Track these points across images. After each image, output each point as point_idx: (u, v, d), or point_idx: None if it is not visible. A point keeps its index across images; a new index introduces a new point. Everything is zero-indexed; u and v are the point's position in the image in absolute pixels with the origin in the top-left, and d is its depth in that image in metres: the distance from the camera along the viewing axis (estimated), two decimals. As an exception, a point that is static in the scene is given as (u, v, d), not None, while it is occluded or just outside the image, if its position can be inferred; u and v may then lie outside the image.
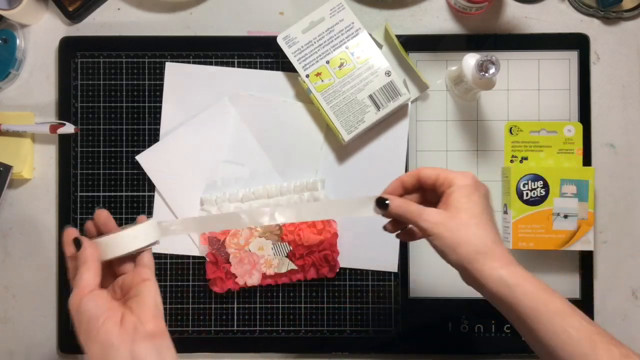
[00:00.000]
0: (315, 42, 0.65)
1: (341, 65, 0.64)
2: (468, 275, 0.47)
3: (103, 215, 0.50)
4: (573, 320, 0.43)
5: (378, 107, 0.64)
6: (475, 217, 0.47)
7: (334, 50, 0.65)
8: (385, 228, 0.55)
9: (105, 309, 0.45)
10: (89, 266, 0.46)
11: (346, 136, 0.64)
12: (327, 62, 0.64)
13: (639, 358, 0.42)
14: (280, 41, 0.65)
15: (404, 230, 0.55)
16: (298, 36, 0.65)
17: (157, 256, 0.68)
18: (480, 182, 0.50)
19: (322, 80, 0.64)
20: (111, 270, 0.50)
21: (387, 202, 0.50)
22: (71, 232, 0.49)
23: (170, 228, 0.52)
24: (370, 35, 0.65)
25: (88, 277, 0.46)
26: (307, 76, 0.64)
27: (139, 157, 0.67)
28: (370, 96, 0.64)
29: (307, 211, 0.54)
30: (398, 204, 0.50)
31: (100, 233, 0.50)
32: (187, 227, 0.53)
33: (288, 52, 0.65)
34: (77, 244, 0.47)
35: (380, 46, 0.66)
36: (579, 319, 0.43)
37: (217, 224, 0.55)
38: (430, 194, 0.52)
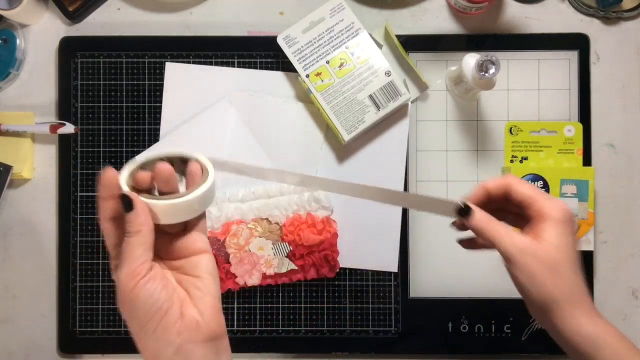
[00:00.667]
0: (315, 42, 0.65)
1: (341, 65, 0.64)
2: (546, 319, 0.44)
3: (167, 170, 0.40)
4: None
5: (378, 107, 0.64)
6: (569, 260, 0.43)
7: (334, 50, 0.65)
8: (461, 243, 0.52)
9: (165, 299, 0.37)
10: (143, 238, 0.38)
11: (346, 136, 0.64)
12: (327, 62, 0.65)
13: None
14: (280, 41, 0.65)
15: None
16: (298, 36, 0.65)
17: (157, 256, 0.68)
18: (574, 218, 0.45)
19: (322, 80, 0.64)
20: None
21: (470, 211, 0.45)
22: (114, 179, 0.38)
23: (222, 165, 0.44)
24: (370, 35, 0.65)
25: (142, 252, 0.38)
26: (307, 76, 0.64)
27: (138, 157, 0.67)
28: (370, 96, 0.64)
29: (380, 194, 0.47)
30: (482, 217, 0.45)
31: (150, 189, 0.41)
32: (236, 169, 0.45)
33: (288, 52, 0.65)
34: (128, 204, 0.38)
35: (380, 46, 0.66)
36: None
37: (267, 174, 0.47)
38: (513, 206, 0.47)
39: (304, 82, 0.64)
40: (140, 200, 0.38)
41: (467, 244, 0.52)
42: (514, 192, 0.46)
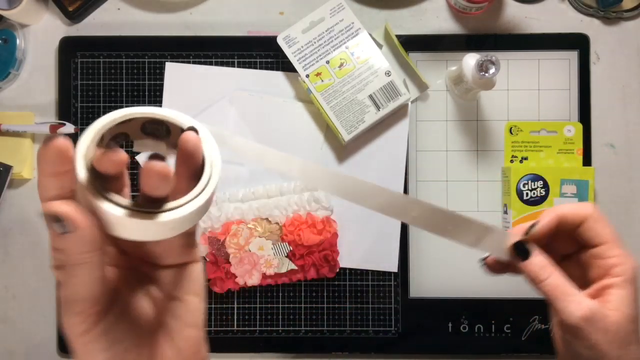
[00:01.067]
0: (315, 42, 0.65)
1: (341, 65, 0.64)
2: None
3: (160, 169, 0.26)
4: None
5: (378, 107, 0.64)
6: (637, 331, 0.36)
7: (334, 50, 0.65)
8: (486, 265, 0.42)
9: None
10: (89, 275, 0.26)
11: (346, 136, 0.64)
12: (327, 62, 0.64)
13: None
14: (280, 41, 0.65)
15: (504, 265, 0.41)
16: (298, 36, 0.65)
17: (157, 256, 0.68)
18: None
19: (322, 80, 0.64)
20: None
21: (529, 253, 0.37)
22: (65, 153, 0.25)
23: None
24: (370, 35, 0.65)
25: (85, 297, 0.26)
26: (307, 76, 0.64)
27: (139, 157, 0.67)
28: (370, 96, 0.64)
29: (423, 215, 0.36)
30: (542, 264, 0.37)
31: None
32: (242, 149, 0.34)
33: (288, 52, 0.65)
34: (60, 223, 0.26)
35: (380, 46, 0.66)
36: None
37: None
38: (567, 242, 0.39)
39: (304, 82, 0.64)
40: (86, 218, 0.25)
41: (495, 267, 0.41)
42: (589, 229, 0.38)
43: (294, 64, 0.65)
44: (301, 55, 0.65)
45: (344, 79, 0.64)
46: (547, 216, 0.38)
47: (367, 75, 0.64)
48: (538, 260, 0.37)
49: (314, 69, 0.64)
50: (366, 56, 0.64)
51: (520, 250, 0.37)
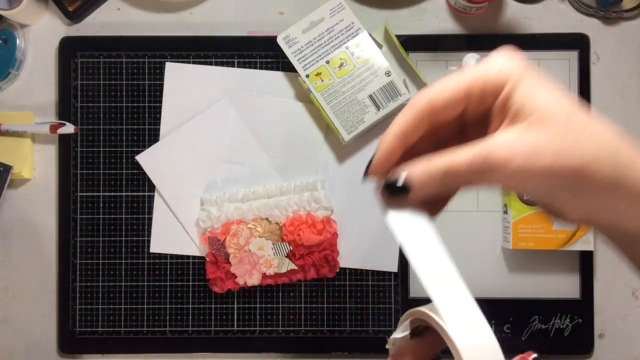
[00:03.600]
0: (315, 42, 0.65)
1: (341, 65, 0.64)
2: (620, 200, 0.28)
3: None
4: None
5: (378, 107, 0.64)
6: (570, 113, 0.28)
7: (334, 50, 0.65)
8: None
9: None
10: None
11: (346, 136, 0.64)
12: (327, 62, 0.64)
13: None
14: (280, 41, 0.65)
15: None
16: (298, 36, 0.65)
17: (157, 256, 0.68)
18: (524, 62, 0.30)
19: (322, 80, 0.64)
20: None
21: (405, 184, 0.30)
22: None
23: None
24: (370, 35, 0.65)
25: None
26: (307, 76, 0.64)
27: (139, 157, 0.67)
28: (370, 96, 0.64)
29: None
30: (423, 170, 0.30)
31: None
32: None
33: (288, 52, 0.65)
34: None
35: (380, 46, 0.66)
36: None
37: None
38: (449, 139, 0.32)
39: (304, 82, 0.64)
40: None
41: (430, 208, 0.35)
42: (439, 102, 0.31)
43: (294, 64, 0.65)
44: (301, 55, 0.65)
45: (344, 79, 0.64)
46: (383, 141, 0.30)
47: (367, 75, 0.64)
48: (416, 170, 0.29)
49: (314, 69, 0.64)
50: (366, 56, 0.64)
51: (395, 188, 0.29)
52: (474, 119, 0.32)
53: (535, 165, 0.28)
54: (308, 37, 0.65)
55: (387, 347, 0.34)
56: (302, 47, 0.65)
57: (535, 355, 0.30)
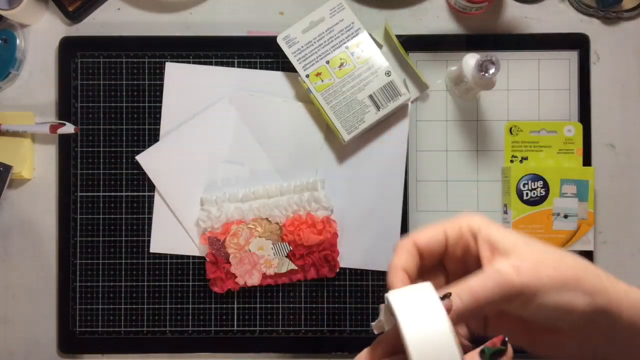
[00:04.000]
0: (315, 42, 0.65)
1: (341, 65, 0.64)
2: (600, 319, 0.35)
3: None
4: None
5: (378, 107, 0.64)
6: (553, 249, 0.36)
7: (334, 50, 0.65)
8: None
9: None
10: None
11: (346, 136, 0.64)
12: (327, 62, 0.64)
13: None
14: (280, 41, 0.65)
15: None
16: (298, 36, 0.65)
17: (157, 256, 0.68)
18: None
19: (322, 80, 0.64)
20: None
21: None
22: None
23: None
24: (370, 35, 0.65)
25: None
26: (307, 76, 0.64)
27: (139, 157, 0.67)
28: (370, 96, 0.64)
29: None
30: (465, 293, 0.34)
31: None
32: None
33: (288, 52, 0.65)
34: None
35: (380, 46, 0.66)
36: None
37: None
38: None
39: (304, 82, 0.64)
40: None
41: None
42: (422, 243, 0.38)
43: (294, 64, 0.65)
44: (301, 56, 0.65)
45: (344, 79, 0.64)
46: (395, 260, 0.37)
47: (367, 75, 0.64)
48: (459, 297, 0.34)
49: (314, 69, 0.64)
50: (366, 56, 0.64)
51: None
52: (452, 258, 0.40)
53: (541, 273, 0.34)
54: (308, 37, 0.65)
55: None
56: (302, 47, 0.65)
57: (505, 338, 0.32)
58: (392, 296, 0.33)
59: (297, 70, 0.65)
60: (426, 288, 0.33)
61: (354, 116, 0.64)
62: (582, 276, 0.35)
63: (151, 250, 0.68)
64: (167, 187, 0.67)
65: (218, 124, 0.67)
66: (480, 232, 0.37)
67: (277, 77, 0.68)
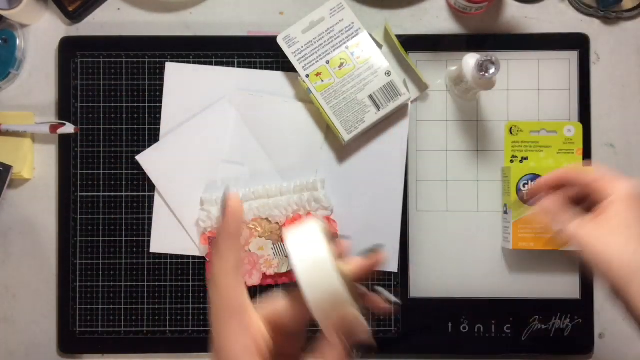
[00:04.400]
0: (315, 42, 0.65)
1: (341, 65, 0.64)
2: (624, 302, 0.41)
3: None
4: None
5: (378, 107, 0.64)
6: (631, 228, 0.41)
7: (334, 50, 0.65)
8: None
9: None
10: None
11: (346, 136, 0.64)
12: (327, 62, 0.64)
13: None
14: (280, 41, 0.65)
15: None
16: (298, 36, 0.65)
17: (157, 256, 0.68)
18: None
19: (322, 80, 0.64)
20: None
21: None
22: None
23: None
24: (370, 35, 0.65)
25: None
26: (307, 76, 0.64)
27: (139, 157, 0.67)
28: (370, 96, 0.64)
29: None
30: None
31: None
32: None
33: (288, 52, 0.65)
34: None
35: (380, 46, 0.66)
36: None
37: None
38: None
39: (304, 82, 0.64)
40: None
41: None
42: (571, 177, 0.47)
43: (294, 64, 0.65)
44: (301, 55, 0.65)
45: (344, 79, 0.64)
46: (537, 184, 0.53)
47: (367, 75, 0.64)
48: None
49: (314, 69, 0.64)
50: (366, 56, 0.64)
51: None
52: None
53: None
54: (308, 37, 0.65)
55: None
56: (302, 47, 0.65)
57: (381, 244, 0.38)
58: (286, 233, 0.38)
59: (297, 70, 0.65)
60: (313, 226, 0.38)
61: (354, 116, 0.64)
62: None
63: (151, 251, 0.68)
64: (167, 187, 0.67)
65: (218, 124, 0.67)
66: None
67: (277, 77, 0.68)
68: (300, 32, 0.65)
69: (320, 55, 0.65)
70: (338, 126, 0.64)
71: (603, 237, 0.41)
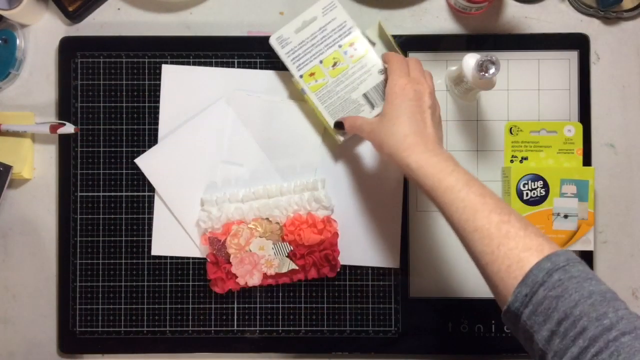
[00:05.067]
0: (308, 42, 0.65)
1: (334, 64, 0.64)
2: (399, 167, 0.53)
3: None
4: (462, 194, 0.48)
5: (372, 106, 0.64)
6: (393, 118, 0.54)
7: (327, 49, 0.65)
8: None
9: None
10: None
11: (340, 139, 0.64)
12: (321, 61, 0.64)
13: (518, 223, 0.45)
14: (273, 42, 0.65)
15: None
16: (291, 36, 0.65)
17: (157, 256, 0.68)
18: (410, 83, 0.55)
19: (316, 81, 0.64)
20: None
21: (342, 124, 0.61)
22: None
23: None
24: (364, 33, 0.65)
25: None
26: (301, 76, 0.64)
27: (137, 160, 0.67)
28: (365, 95, 0.64)
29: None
30: (349, 122, 0.60)
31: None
32: None
33: (281, 52, 0.64)
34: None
35: (373, 44, 0.66)
36: (467, 192, 0.48)
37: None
38: None
39: (298, 82, 0.64)
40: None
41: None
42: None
43: (287, 65, 0.64)
44: (294, 56, 0.64)
45: (338, 78, 0.64)
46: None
47: (360, 74, 0.64)
48: (347, 121, 0.61)
49: (308, 69, 0.64)
50: (359, 54, 0.64)
51: (338, 124, 0.63)
52: None
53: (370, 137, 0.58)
54: (301, 37, 0.65)
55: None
56: (295, 47, 0.64)
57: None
58: None
59: (291, 70, 0.64)
60: None
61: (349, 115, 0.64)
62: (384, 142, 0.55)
63: (152, 253, 0.68)
64: (166, 189, 0.67)
65: (216, 125, 0.67)
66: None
67: (274, 77, 0.68)
68: (293, 31, 0.65)
69: (313, 55, 0.64)
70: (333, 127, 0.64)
71: (376, 128, 0.55)
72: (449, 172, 0.50)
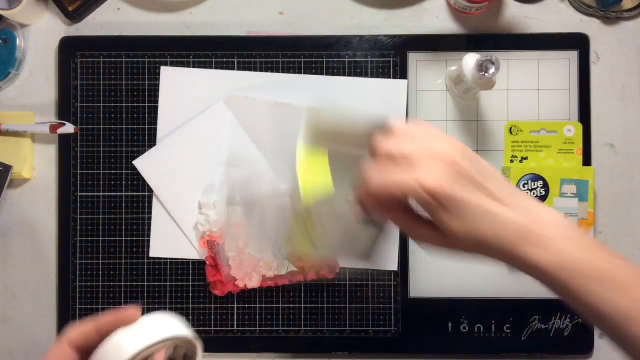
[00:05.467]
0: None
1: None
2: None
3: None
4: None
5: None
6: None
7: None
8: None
9: None
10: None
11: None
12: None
13: None
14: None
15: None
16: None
17: (157, 258, 0.68)
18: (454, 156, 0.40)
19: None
20: None
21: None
22: None
23: None
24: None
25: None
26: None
27: (136, 162, 0.67)
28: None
29: None
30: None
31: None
32: None
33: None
34: None
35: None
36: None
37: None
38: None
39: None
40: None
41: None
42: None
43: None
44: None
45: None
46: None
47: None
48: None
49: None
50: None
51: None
52: None
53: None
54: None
55: None
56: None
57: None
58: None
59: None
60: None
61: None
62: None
63: (151, 255, 0.68)
64: (165, 192, 0.67)
65: (214, 127, 0.67)
66: None
67: (271, 79, 0.68)
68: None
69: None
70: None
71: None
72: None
